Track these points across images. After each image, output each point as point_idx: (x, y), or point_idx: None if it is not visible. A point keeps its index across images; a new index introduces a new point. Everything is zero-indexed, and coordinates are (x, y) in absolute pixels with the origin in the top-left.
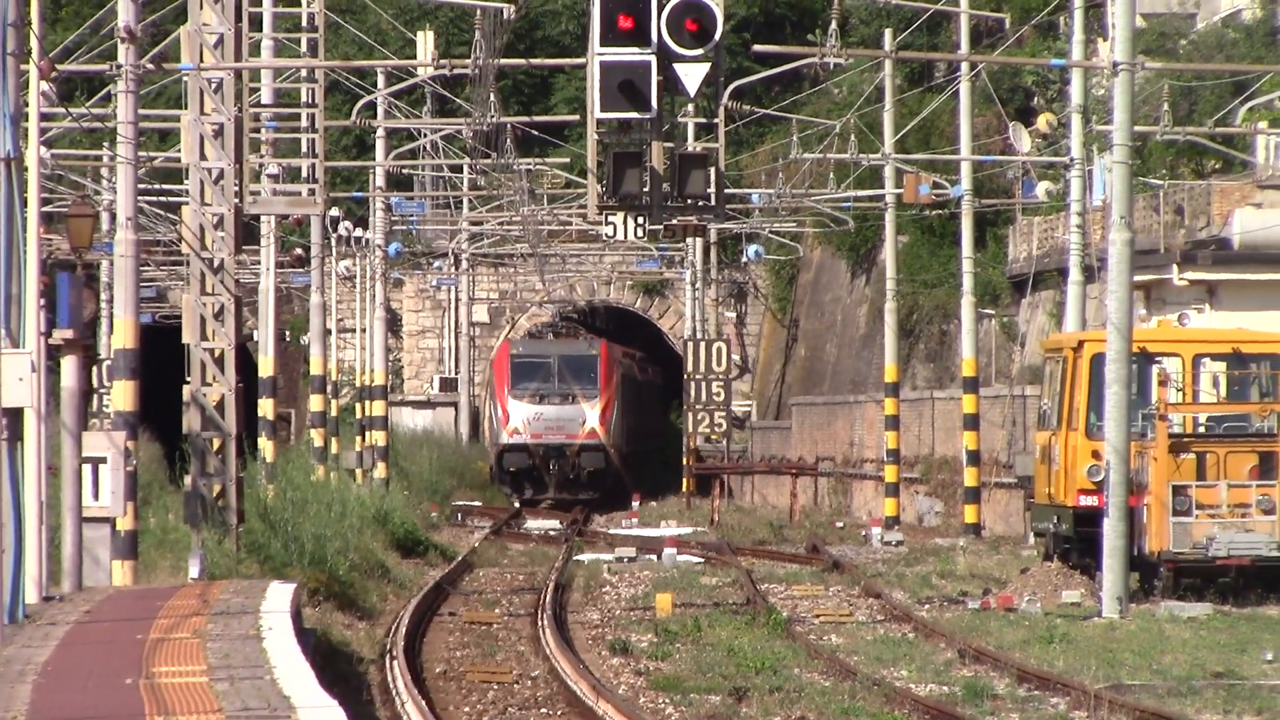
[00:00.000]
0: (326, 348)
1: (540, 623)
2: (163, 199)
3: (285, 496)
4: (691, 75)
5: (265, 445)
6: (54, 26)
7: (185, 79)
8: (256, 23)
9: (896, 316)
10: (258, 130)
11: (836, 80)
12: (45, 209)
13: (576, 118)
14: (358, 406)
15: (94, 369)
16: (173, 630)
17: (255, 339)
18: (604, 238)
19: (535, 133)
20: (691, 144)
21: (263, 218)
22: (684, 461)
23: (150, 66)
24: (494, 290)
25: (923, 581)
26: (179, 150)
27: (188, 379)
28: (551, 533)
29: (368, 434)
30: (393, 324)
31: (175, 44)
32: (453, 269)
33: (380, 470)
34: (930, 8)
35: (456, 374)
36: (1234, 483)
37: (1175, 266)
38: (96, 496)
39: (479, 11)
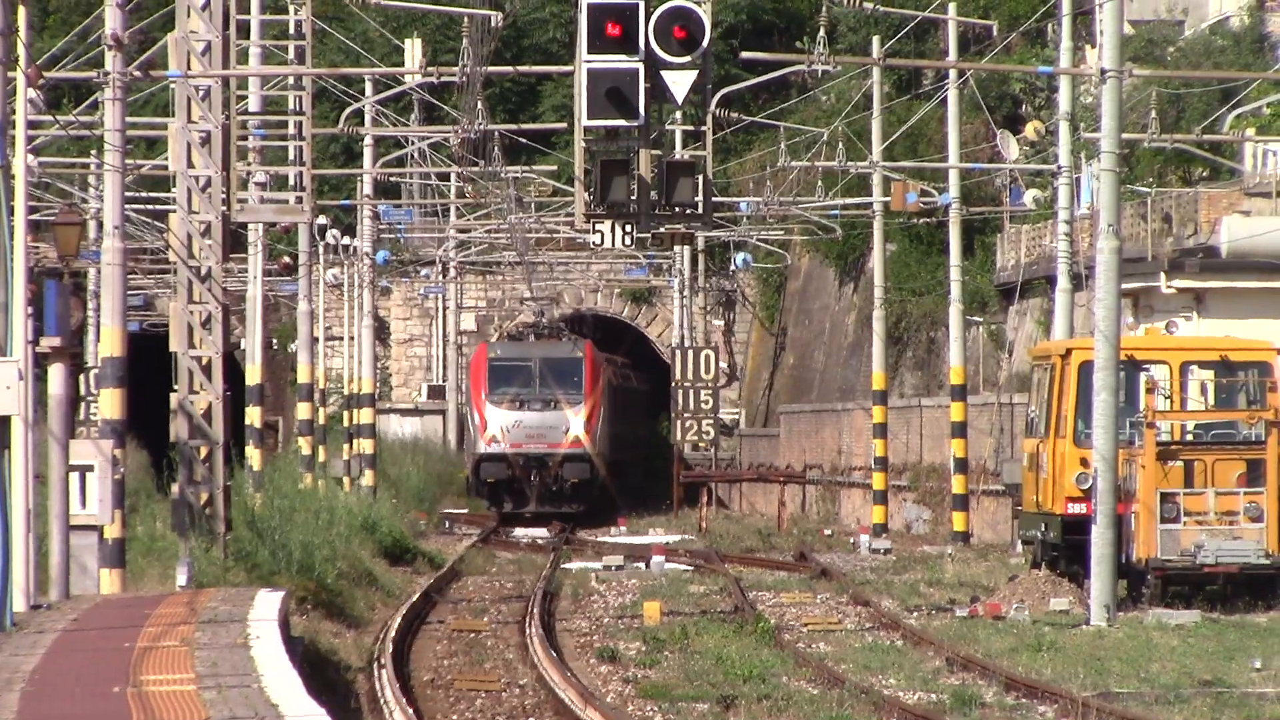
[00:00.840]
0: (314, 356)
1: (528, 631)
2: (150, 207)
3: (273, 504)
4: (679, 83)
5: (253, 453)
6: (41, 34)
7: (173, 86)
8: (244, 30)
9: (884, 324)
10: (245, 138)
11: (824, 88)
12: (32, 217)
13: (564, 125)
14: (345, 414)
15: (81, 377)
16: (160, 639)
17: (243, 347)
18: (591, 245)
19: (523, 140)
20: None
21: (250, 225)
22: (674, 470)
23: (138, 74)
24: (482, 298)
25: (911, 589)
26: (166, 158)
27: (175, 387)
28: (539, 541)
29: (355, 442)
30: (380, 332)
31: (163, 51)
32: (440, 277)
33: (368, 478)
34: (918, 15)
35: (444, 382)
36: (1222, 490)
37: (1163, 274)
38: (84, 505)
39: (466, 19)
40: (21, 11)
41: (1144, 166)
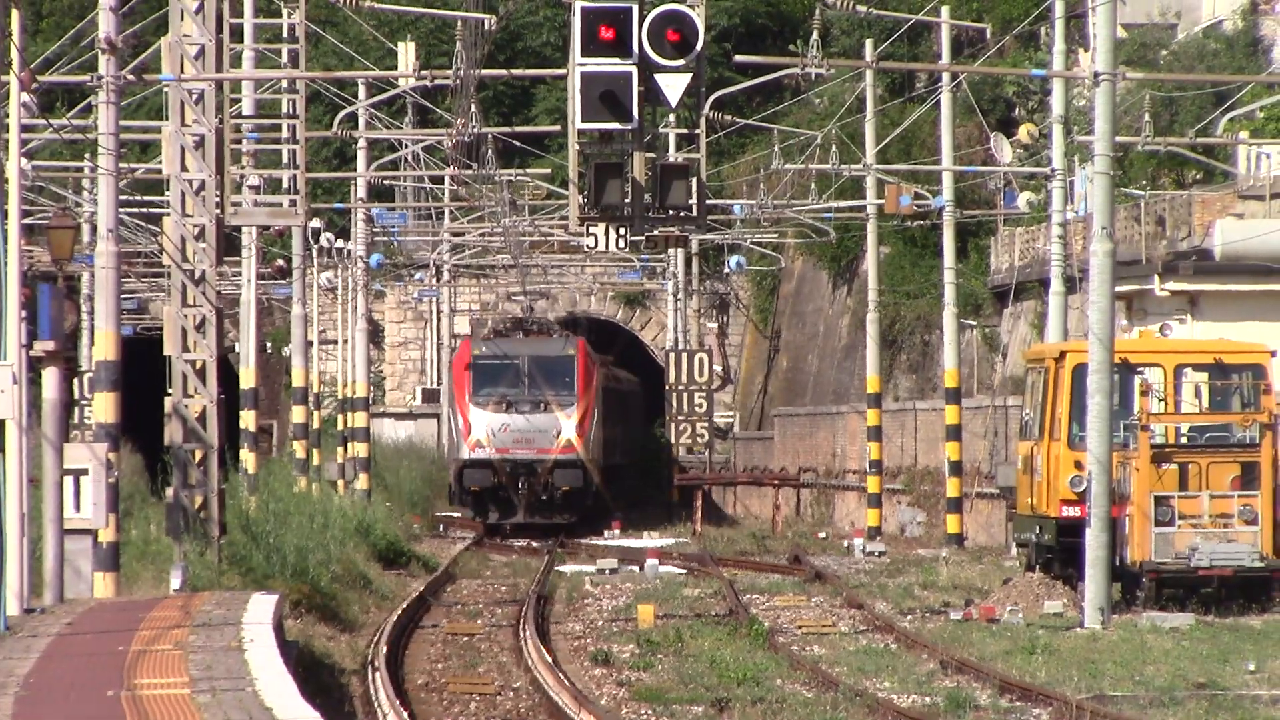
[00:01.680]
0: (308, 359)
1: (522, 634)
2: (144, 210)
3: (267, 508)
4: (673, 86)
5: (247, 457)
6: (35, 38)
7: (166, 90)
8: (237, 34)
9: (878, 327)
10: (239, 141)
11: (818, 91)
12: (26, 221)
13: (558, 128)
14: (339, 418)
15: (75, 381)
16: (154, 642)
17: (237, 350)
18: (585, 249)
19: (516, 143)
20: (673, 155)
21: (244, 229)
22: (672, 473)
23: (131, 78)
24: (475, 301)
25: (905, 592)
26: (160, 161)
27: (169, 391)
28: (533, 544)
29: (350, 445)
30: (374, 335)
31: (156, 55)
32: (434, 280)
33: (362, 482)
34: (911, 18)
35: (438, 385)
36: (1216, 493)
37: (1157, 277)
38: (78, 508)
39: (460, 22)
40: (15, 15)
41: (1137, 169)
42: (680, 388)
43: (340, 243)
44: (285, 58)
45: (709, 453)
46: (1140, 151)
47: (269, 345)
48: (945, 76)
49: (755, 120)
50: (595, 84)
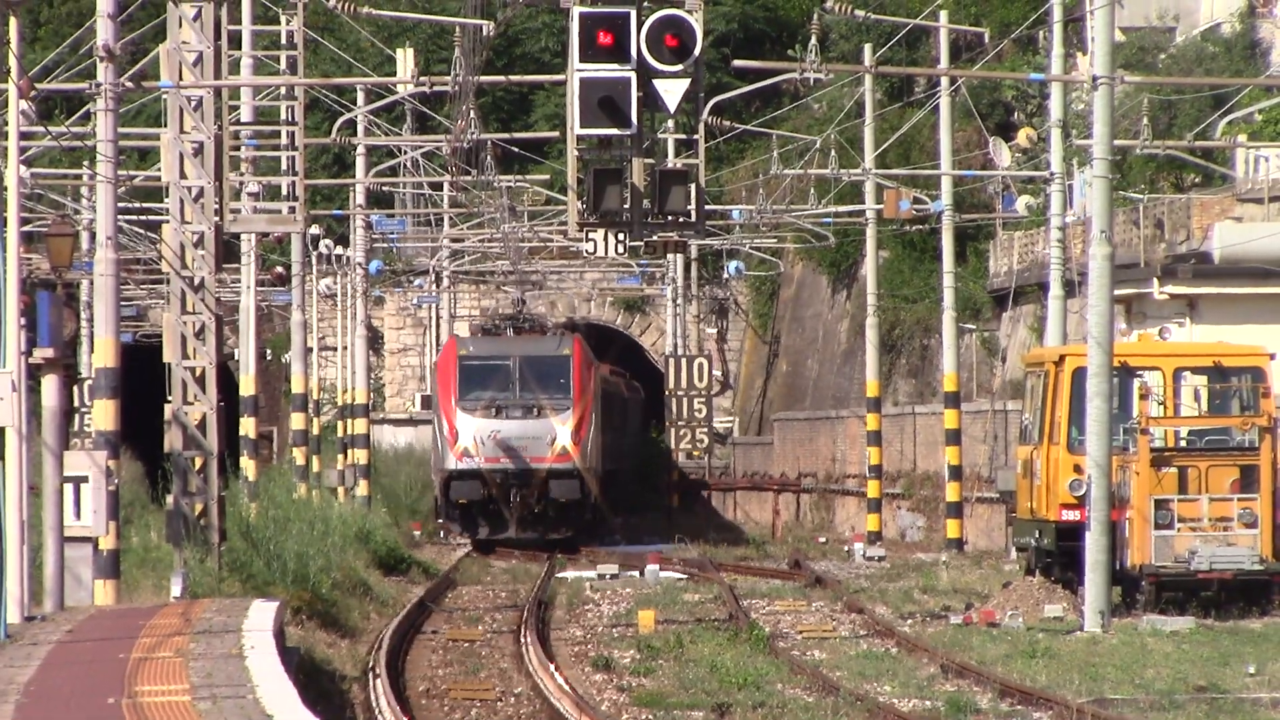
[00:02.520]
0: (308, 366)
1: (523, 639)
2: (143, 217)
3: (267, 515)
4: (671, 91)
5: (247, 464)
6: (33, 45)
7: (165, 97)
8: (236, 41)
9: (878, 332)
10: (237, 148)
11: (816, 96)
12: (25, 228)
13: (556, 134)
14: (339, 424)
15: (75, 388)
16: (155, 649)
17: (236, 357)
18: (585, 254)
19: (515, 149)
20: (671, 160)
21: (243, 236)
22: (673, 477)
23: (129, 85)
24: (475, 308)
25: (905, 597)
26: (159, 169)
27: (169, 398)
28: (534, 549)
29: (350, 452)
30: (374, 342)
31: (154, 62)
32: (434, 286)
33: (362, 488)
34: (910, 23)
35: None
36: (1216, 496)
37: (1156, 280)
38: (78, 516)
39: (458, 28)
40: (13, 23)
41: (1136, 173)
42: (680, 393)
43: (339, 249)
44: (284, 64)
45: (708, 458)
46: (1139, 155)
47: (268, 352)
48: (944, 81)
49: (754, 125)
50: (594, 89)
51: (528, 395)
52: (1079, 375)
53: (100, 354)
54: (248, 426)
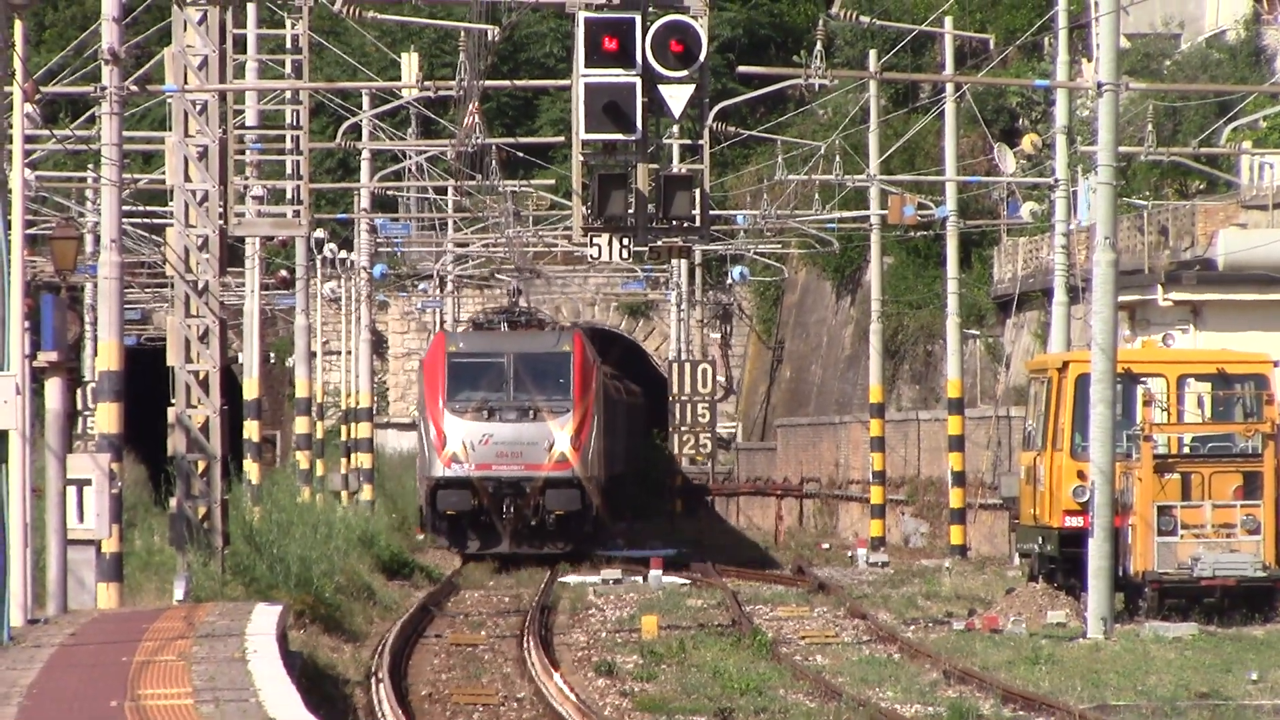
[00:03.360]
0: (312, 370)
1: (526, 644)
2: (147, 221)
3: (271, 519)
4: (676, 97)
5: (250, 467)
6: (38, 49)
7: (169, 101)
8: (240, 45)
9: (881, 337)
10: (242, 152)
11: (821, 101)
12: (29, 231)
13: (561, 139)
14: (343, 428)
15: (78, 391)
16: (158, 653)
17: (240, 361)
18: (589, 259)
19: (520, 154)
20: (676, 165)
21: (247, 240)
22: (676, 483)
23: (134, 88)
24: (479, 312)
25: (908, 602)
26: (163, 172)
27: (173, 401)
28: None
29: (353, 456)
30: (378, 346)
31: (159, 66)
32: (438, 291)
33: (366, 492)
34: (915, 29)
35: None
36: (1219, 503)
37: (1160, 287)
38: (81, 519)
39: (463, 33)
40: (18, 26)
41: (1141, 179)
42: (683, 398)
43: (344, 253)
44: (289, 69)
45: (712, 463)
46: (1143, 161)
47: (272, 356)
48: (949, 87)
49: (759, 131)
50: (599, 95)
51: (523, 396)
52: (1083, 381)
53: (104, 357)
54: (251, 430)
